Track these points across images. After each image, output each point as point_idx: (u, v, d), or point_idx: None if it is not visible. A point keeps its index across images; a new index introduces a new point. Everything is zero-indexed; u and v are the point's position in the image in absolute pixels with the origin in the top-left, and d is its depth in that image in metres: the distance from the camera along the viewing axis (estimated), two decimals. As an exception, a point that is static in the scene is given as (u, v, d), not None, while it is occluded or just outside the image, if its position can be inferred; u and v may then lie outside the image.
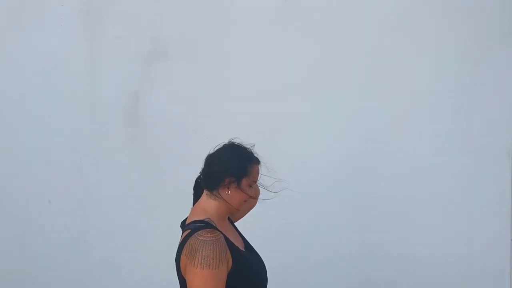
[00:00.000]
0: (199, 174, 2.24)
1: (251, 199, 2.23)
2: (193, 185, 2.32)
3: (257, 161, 2.22)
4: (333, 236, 3.69)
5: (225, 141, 2.28)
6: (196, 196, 2.28)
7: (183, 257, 2.02)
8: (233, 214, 2.33)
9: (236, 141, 2.24)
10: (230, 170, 2.13)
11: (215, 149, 2.24)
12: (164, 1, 3.83)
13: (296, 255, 3.66)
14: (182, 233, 2.14)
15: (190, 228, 2.08)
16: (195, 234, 2.01)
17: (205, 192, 2.19)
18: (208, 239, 1.98)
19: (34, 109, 3.86)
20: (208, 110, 3.80)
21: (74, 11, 3.84)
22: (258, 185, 2.29)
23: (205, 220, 2.09)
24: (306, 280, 3.68)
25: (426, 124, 3.73)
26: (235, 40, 3.78)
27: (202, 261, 1.95)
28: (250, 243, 2.32)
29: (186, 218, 2.22)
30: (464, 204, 3.75)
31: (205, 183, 2.19)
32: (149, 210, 3.82)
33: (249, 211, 2.49)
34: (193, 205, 2.27)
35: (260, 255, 2.35)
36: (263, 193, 2.35)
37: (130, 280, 3.83)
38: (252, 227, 3.69)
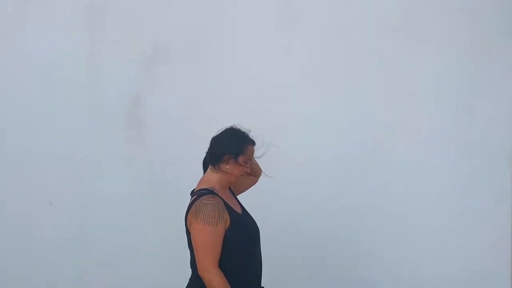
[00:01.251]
0: (206, 153, 2.69)
1: (251, 176, 2.81)
2: (202, 161, 2.76)
3: (252, 142, 2.70)
4: (333, 236, 3.69)
5: (227, 125, 2.69)
6: (205, 171, 2.73)
7: (189, 216, 2.54)
8: (235, 187, 2.79)
9: (236, 126, 2.69)
10: (229, 149, 2.61)
11: (218, 132, 2.70)
12: (165, 4, 3.84)
13: (296, 255, 3.66)
14: (191, 198, 2.62)
15: (196, 194, 2.57)
16: (200, 198, 2.51)
17: (209, 167, 2.66)
18: (209, 202, 2.48)
19: (35, 110, 3.87)
20: (209, 111, 3.80)
21: (76, 14, 3.86)
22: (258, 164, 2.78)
23: (209, 188, 2.57)
24: (306, 280, 3.68)
25: (427, 126, 3.73)
26: (236, 42, 3.80)
27: (204, 219, 2.46)
28: (246, 210, 2.76)
29: (194, 188, 2.68)
30: (464, 206, 3.75)
31: (209, 159, 2.66)
32: (150, 211, 3.83)
33: (249, 187, 2.93)
34: None
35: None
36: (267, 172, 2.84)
37: (130, 280, 3.83)
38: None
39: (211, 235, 2.45)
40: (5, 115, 3.91)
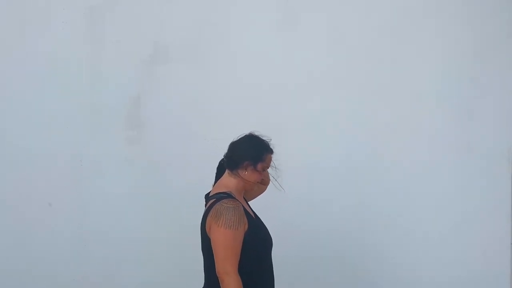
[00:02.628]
0: (223, 157, 2.71)
1: (262, 184, 2.81)
2: (217, 165, 2.77)
3: (271, 151, 2.72)
4: (333, 237, 3.69)
5: (246, 132, 2.73)
6: (218, 175, 2.75)
7: (209, 219, 2.51)
8: (247, 194, 2.80)
9: (256, 133, 2.72)
10: (249, 156, 2.63)
11: (238, 137, 2.72)
12: (165, 5, 3.85)
13: (296, 255, 3.66)
14: (207, 202, 2.63)
15: (215, 197, 2.56)
16: (220, 201, 2.51)
17: (227, 171, 2.67)
18: (230, 205, 2.49)
19: (35, 111, 3.87)
20: (209, 113, 3.81)
21: (76, 15, 3.86)
22: (269, 173, 2.79)
23: (227, 192, 2.58)
24: (307, 280, 3.68)
25: (427, 126, 3.74)
26: (236, 43, 3.80)
27: (225, 223, 2.46)
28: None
29: (210, 192, 2.70)
30: (464, 207, 3.75)
31: (228, 164, 2.67)
32: (150, 212, 3.82)
33: (259, 194, 2.94)
34: (215, 181, 2.76)
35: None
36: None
37: (130, 282, 3.82)
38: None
39: (233, 239, 2.46)
40: (5, 116, 3.91)
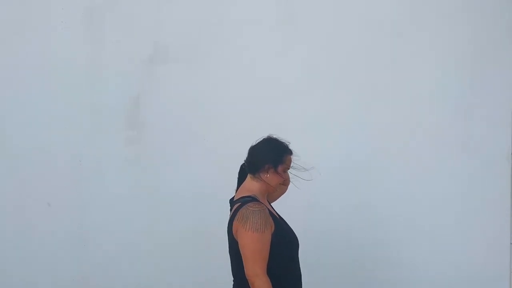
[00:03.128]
0: (244, 162, 2.76)
1: (283, 185, 2.84)
2: (238, 170, 2.82)
3: (290, 152, 2.75)
4: (332, 237, 3.69)
5: (264, 136, 2.79)
6: (240, 180, 2.80)
7: (235, 222, 2.55)
8: (269, 196, 2.82)
9: (274, 136, 2.76)
10: (269, 159, 2.67)
11: (256, 142, 2.76)
12: (165, 5, 3.84)
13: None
14: (232, 206, 2.67)
15: (240, 201, 2.60)
16: (246, 205, 2.54)
17: (249, 176, 2.71)
18: (256, 209, 2.52)
19: (34, 111, 3.87)
20: (208, 113, 3.81)
21: (76, 15, 3.86)
22: (289, 173, 2.80)
23: (252, 196, 2.62)
24: (306, 280, 3.67)
25: (426, 127, 3.74)
26: (235, 43, 3.80)
27: (252, 226, 2.49)
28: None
29: (233, 196, 2.74)
30: (464, 207, 3.76)
31: (249, 169, 2.71)
32: (150, 212, 3.83)
33: (280, 196, 2.96)
34: (237, 187, 2.80)
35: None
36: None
37: (129, 282, 3.83)
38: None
39: (260, 242, 2.49)
40: (4, 116, 3.91)
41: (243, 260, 2.52)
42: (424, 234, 3.74)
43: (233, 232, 2.57)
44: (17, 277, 3.86)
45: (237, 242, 2.55)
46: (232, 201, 2.73)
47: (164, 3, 3.83)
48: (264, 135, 3.64)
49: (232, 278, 2.69)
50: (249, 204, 2.55)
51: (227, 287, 3.76)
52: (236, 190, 2.78)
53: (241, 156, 3.69)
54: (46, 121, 3.88)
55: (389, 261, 3.72)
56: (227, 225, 2.64)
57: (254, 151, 2.73)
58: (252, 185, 2.68)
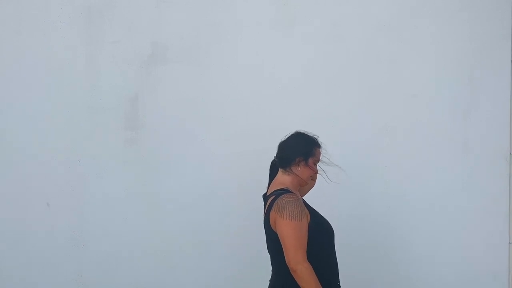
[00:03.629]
0: (274, 157, 2.83)
1: (311, 179, 2.89)
2: (270, 166, 2.89)
3: (319, 145, 2.83)
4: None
5: (292, 131, 2.85)
6: (272, 175, 2.87)
7: (272, 213, 2.63)
8: (299, 190, 2.87)
9: (301, 130, 2.84)
10: (300, 152, 2.75)
11: (286, 137, 2.83)
12: (163, 5, 3.84)
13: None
14: (266, 200, 2.77)
15: (274, 194, 2.69)
16: (281, 196, 2.63)
17: (280, 170, 2.79)
18: (291, 199, 2.61)
19: (33, 112, 3.85)
20: (208, 113, 3.81)
21: (74, 15, 3.85)
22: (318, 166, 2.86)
23: (285, 188, 2.70)
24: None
25: (425, 126, 3.75)
26: (234, 43, 3.80)
27: (289, 215, 2.56)
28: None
29: (266, 192, 2.84)
30: (462, 207, 3.77)
31: (280, 163, 2.79)
32: (148, 213, 3.82)
33: (309, 191, 3.02)
34: (269, 182, 2.87)
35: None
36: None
37: (128, 282, 3.82)
38: (253, 226, 3.73)
39: (299, 229, 2.57)
40: (2, 116, 3.89)
41: (283, 249, 2.58)
42: (422, 233, 3.75)
43: (271, 223, 2.66)
44: (15, 276, 3.85)
45: (276, 234, 2.62)
46: (265, 196, 2.81)
47: (162, 3, 3.82)
48: (263, 135, 3.69)
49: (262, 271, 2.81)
50: (284, 195, 2.63)
51: (227, 286, 3.79)
52: (268, 186, 2.85)
53: (241, 156, 3.73)
54: (44, 121, 3.86)
55: (386, 261, 3.73)
56: (263, 219, 2.73)
57: (284, 145, 2.81)
58: (284, 179, 2.75)
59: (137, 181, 3.83)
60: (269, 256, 2.79)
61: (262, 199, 2.83)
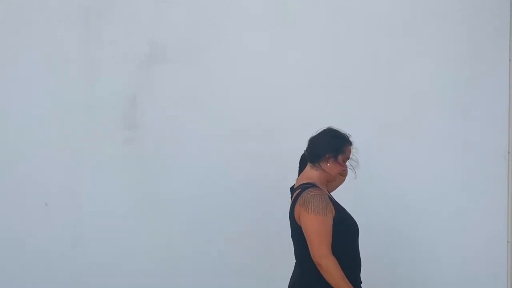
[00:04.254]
0: (304, 151, 2.82)
1: (341, 176, 2.90)
2: (299, 160, 2.88)
3: (350, 143, 2.82)
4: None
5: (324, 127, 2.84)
6: (301, 169, 2.86)
7: (297, 207, 2.64)
8: (328, 186, 2.87)
9: (333, 127, 2.83)
10: (330, 148, 2.74)
11: (317, 132, 2.82)
12: (162, 5, 3.83)
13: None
14: (293, 193, 2.78)
15: (300, 188, 2.70)
16: (306, 190, 2.64)
17: (308, 164, 2.78)
18: (317, 194, 2.61)
19: (31, 111, 3.84)
20: (206, 112, 3.80)
21: (72, 14, 3.84)
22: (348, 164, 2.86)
23: (311, 182, 2.70)
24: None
25: (423, 126, 3.76)
26: (233, 43, 3.80)
27: (314, 209, 2.57)
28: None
29: (294, 185, 2.82)
30: (461, 206, 3.77)
31: (310, 158, 2.78)
32: (147, 212, 3.81)
33: (338, 186, 3.03)
34: (298, 175, 2.86)
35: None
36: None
37: (127, 282, 3.81)
38: (254, 224, 3.73)
39: (324, 224, 2.58)
40: (0, 115, 3.88)
41: (308, 244, 2.59)
42: (421, 232, 3.75)
43: (296, 217, 2.67)
44: (13, 276, 3.84)
45: (300, 227, 2.64)
46: (292, 189, 2.82)
47: (161, 2, 3.82)
48: (263, 134, 3.68)
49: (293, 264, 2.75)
50: (309, 189, 2.64)
51: (226, 286, 3.79)
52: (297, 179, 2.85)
53: (240, 155, 3.72)
54: (42, 120, 3.85)
55: (386, 259, 3.73)
56: (288, 213, 2.74)
57: (315, 141, 2.80)
58: (311, 174, 2.75)
59: (136, 181, 3.82)
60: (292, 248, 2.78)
61: (290, 192, 2.84)
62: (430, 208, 3.76)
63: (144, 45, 3.83)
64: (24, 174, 3.84)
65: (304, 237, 2.61)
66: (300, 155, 2.87)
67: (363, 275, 2.84)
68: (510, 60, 3.77)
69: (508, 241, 3.79)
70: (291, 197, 2.78)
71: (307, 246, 2.60)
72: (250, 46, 3.78)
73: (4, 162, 3.87)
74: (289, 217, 2.74)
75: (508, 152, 3.79)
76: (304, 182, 2.73)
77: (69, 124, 3.84)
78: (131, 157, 3.83)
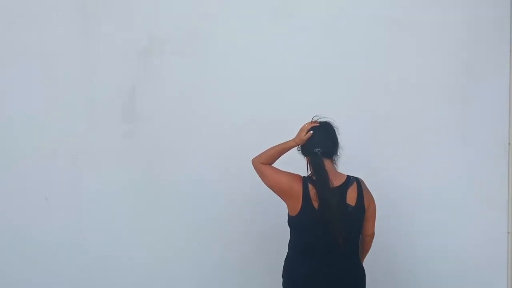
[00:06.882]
0: (317, 150, 2.97)
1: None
2: (312, 160, 2.98)
3: None
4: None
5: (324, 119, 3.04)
6: (316, 168, 2.97)
7: (369, 195, 3.01)
8: None
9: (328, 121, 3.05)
10: (338, 143, 3.07)
11: (325, 130, 3.03)
12: (161, -3, 3.82)
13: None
14: (339, 186, 2.94)
15: (350, 179, 3.01)
16: (359, 180, 3.02)
17: (329, 160, 3.00)
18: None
19: (30, 105, 3.83)
20: (205, 105, 3.80)
21: (70, 7, 3.83)
22: None
23: (348, 175, 3.02)
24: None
25: (425, 119, 3.76)
26: (232, 36, 3.78)
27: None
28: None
29: (328, 179, 2.93)
30: (461, 197, 3.78)
31: (332, 153, 3.02)
32: (147, 206, 3.81)
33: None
34: (317, 174, 2.94)
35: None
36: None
37: (128, 277, 3.82)
38: (254, 219, 3.73)
39: None
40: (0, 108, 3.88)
41: (372, 222, 3.03)
42: (421, 223, 3.76)
43: (365, 204, 2.96)
44: (13, 272, 3.84)
45: (363, 210, 2.95)
46: (329, 186, 2.90)
47: (159, -5, 3.81)
48: (262, 127, 3.68)
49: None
50: (359, 179, 3.02)
51: (226, 283, 3.79)
52: (313, 175, 2.95)
53: (238, 149, 3.71)
54: (41, 114, 3.84)
55: (385, 250, 3.74)
56: (337, 207, 2.88)
57: (333, 137, 3.03)
58: (335, 167, 3.03)
59: (135, 174, 3.82)
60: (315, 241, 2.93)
61: (326, 192, 2.88)
62: (430, 199, 3.76)
63: (143, 38, 3.81)
64: (23, 168, 3.84)
65: (362, 223, 2.95)
66: (312, 157, 2.96)
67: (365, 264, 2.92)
68: (510, 51, 3.76)
69: (508, 232, 3.80)
70: (337, 193, 2.90)
71: (358, 238, 2.97)
72: (249, 39, 3.77)
73: (3, 157, 3.86)
74: (340, 203, 2.89)
75: (509, 144, 3.79)
76: (347, 175, 3.00)
77: (67, 118, 3.83)
78: (130, 150, 3.83)
